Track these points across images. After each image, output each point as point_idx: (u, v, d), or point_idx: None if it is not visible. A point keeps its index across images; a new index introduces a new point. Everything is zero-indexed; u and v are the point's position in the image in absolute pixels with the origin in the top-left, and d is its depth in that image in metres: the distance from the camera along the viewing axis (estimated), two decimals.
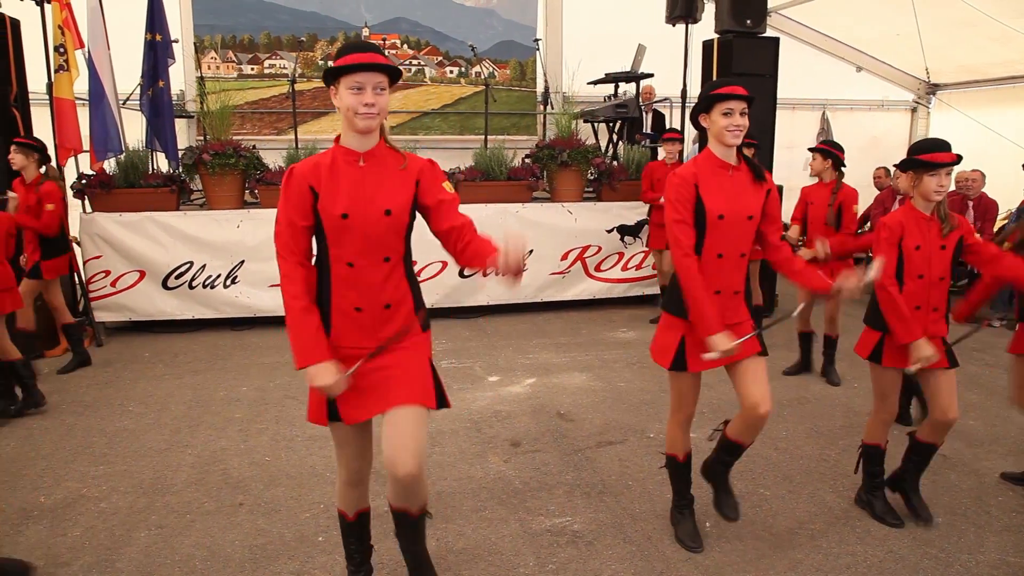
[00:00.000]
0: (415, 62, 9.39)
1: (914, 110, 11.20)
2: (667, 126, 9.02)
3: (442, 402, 2.47)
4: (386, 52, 9.14)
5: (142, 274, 6.44)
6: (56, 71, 6.21)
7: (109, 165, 6.56)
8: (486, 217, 7.00)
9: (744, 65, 6.93)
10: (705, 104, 2.77)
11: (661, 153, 8.74)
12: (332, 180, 2.24)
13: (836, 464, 3.91)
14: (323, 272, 2.32)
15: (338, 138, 2.31)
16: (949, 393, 3.11)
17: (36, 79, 6.36)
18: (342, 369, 2.26)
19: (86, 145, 6.41)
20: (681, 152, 6.46)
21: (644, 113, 8.79)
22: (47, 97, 6.31)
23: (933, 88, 10.92)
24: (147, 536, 3.23)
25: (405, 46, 9.36)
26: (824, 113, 10.71)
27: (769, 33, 7.27)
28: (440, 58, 9.46)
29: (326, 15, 9.13)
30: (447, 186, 2.38)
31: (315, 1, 9.07)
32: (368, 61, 2.15)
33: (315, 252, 2.36)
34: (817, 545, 3.13)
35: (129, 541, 3.19)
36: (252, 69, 9.00)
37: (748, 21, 6.95)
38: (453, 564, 3.00)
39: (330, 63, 2.42)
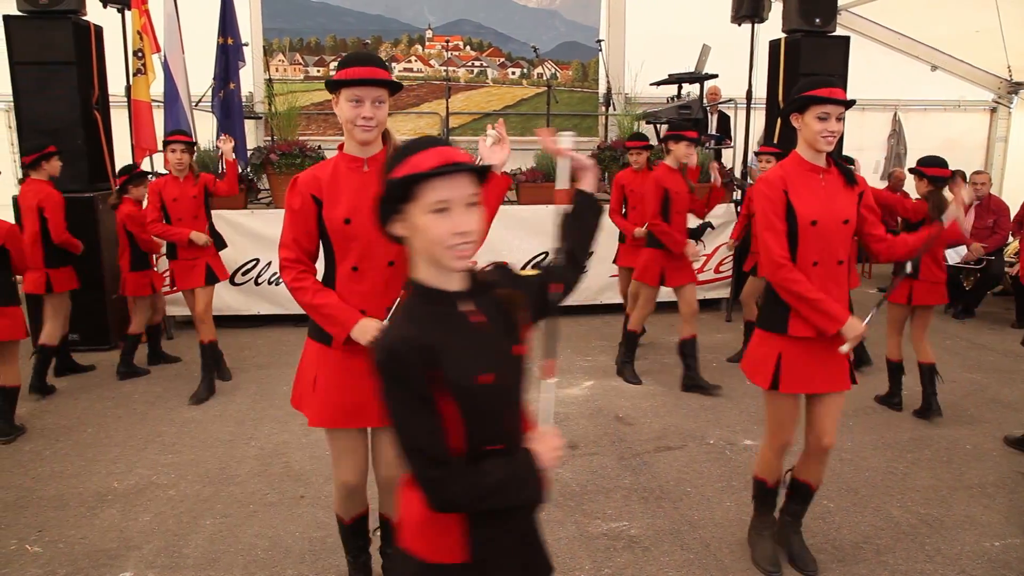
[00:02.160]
0: (477, 63, 9.45)
1: (994, 110, 10.74)
2: (731, 127, 8.86)
3: None
4: (451, 54, 9.24)
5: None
6: (134, 74, 6.46)
7: None
8: (547, 218, 7.00)
9: (812, 65, 6.75)
10: (799, 104, 2.65)
11: (726, 155, 8.63)
12: (333, 186, 2.29)
13: (904, 477, 3.78)
14: (328, 276, 2.37)
15: (342, 146, 2.36)
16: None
17: (115, 82, 6.62)
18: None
19: (160, 145, 6.65)
20: (649, 160, 5.71)
21: (709, 114, 8.65)
22: (125, 99, 6.57)
23: (1016, 87, 10.45)
24: (212, 524, 3.33)
25: (468, 48, 9.43)
26: (896, 114, 10.37)
27: (839, 32, 7.06)
28: (502, 59, 9.49)
29: (391, 18, 9.27)
30: None
31: (380, 4, 9.21)
32: (367, 76, 2.18)
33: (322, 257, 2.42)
34: (883, 561, 3.03)
35: (195, 528, 3.29)
36: (318, 71, 9.19)
37: (817, 20, 6.77)
38: None
39: (331, 73, 2.45)
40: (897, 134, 10.27)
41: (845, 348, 2.65)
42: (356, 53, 2.29)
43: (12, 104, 6.07)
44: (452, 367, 1.40)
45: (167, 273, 5.36)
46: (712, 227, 7.09)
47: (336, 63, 2.33)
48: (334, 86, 2.23)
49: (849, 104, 2.61)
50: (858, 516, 3.39)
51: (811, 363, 2.70)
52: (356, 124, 2.23)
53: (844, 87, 6.90)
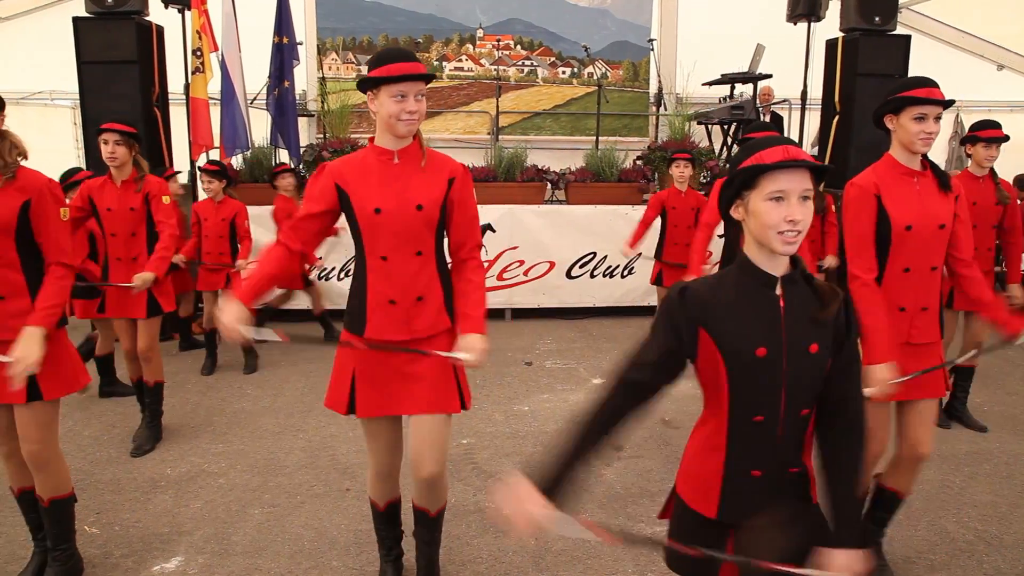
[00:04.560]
0: (528, 63, 9.45)
1: None
2: (786, 129, 8.70)
3: (462, 404, 2.54)
4: (501, 53, 9.26)
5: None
6: (193, 73, 6.63)
7: (237, 161, 6.95)
8: (596, 218, 6.98)
9: (871, 65, 6.59)
10: (895, 105, 2.55)
11: None
12: (363, 178, 2.35)
13: (960, 492, 3.65)
14: (360, 266, 2.43)
15: (372, 139, 2.40)
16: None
17: (174, 80, 6.80)
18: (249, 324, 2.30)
19: (217, 142, 6.81)
20: (693, 177, 5.46)
21: (761, 115, 8.50)
22: (183, 97, 6.75)
23: None
24: (260, 513, 3.40)
25: (518, 47, 9.43)
26: (958, 116, 10.03)
27: (899, 31, 6.87)
28: (553, 59, 9.47)
29: (442, 17, 9.32)
30: (473, 194, 2.51)
31: (432, 3, 9.27)
32: (410, 72, 2.23)
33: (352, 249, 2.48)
34: None
35: (244, 517, 3.36)
36: None
37: (877, 18, 6.60)
38: (551, 565, 2.99)
39: (364, 71, 2.49)
40: (959, 136, 9.94)
41: (868, 391, 2.48)
42: (389, 50, 2.32)
43: (78, 102, 6.30)
44: (724, 330, 1.60)
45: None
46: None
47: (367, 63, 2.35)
48: (374, 83, 2.26)
49: (948, 104, 2.51)
50: (911, 530, 3.29)
51: (902, 367, 2.61)
52: (400, 119, 2.26)
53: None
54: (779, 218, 1.56)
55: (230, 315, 2.24)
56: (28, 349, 2.42)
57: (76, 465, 3.84)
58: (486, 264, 6.88)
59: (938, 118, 2.51)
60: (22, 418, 2.57)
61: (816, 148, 7.85)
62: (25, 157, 2.57)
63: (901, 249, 2.57)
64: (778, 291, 1.63)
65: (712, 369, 1.63)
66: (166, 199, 3.99)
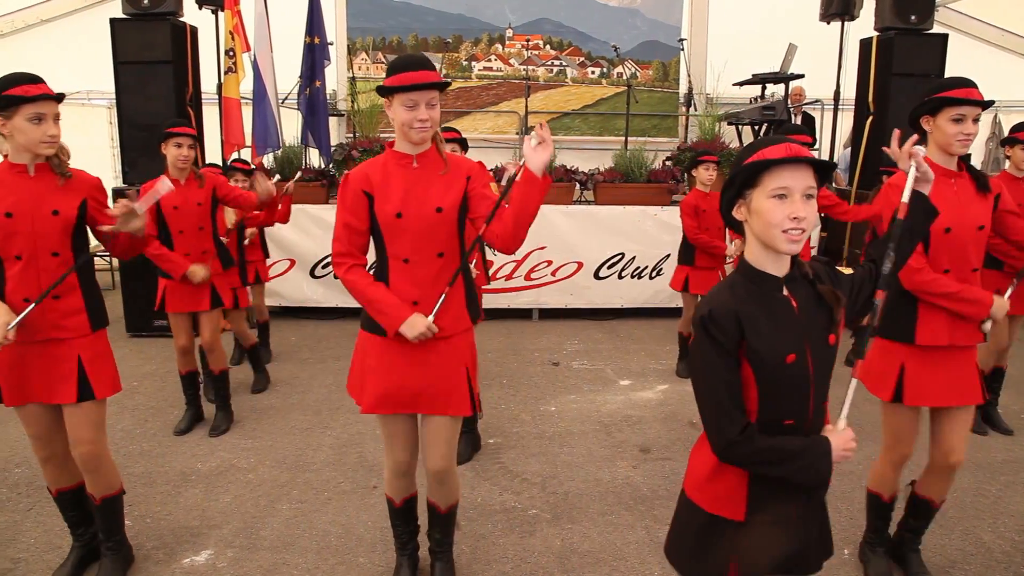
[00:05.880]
0: (557, 63, 9.43)
1: None
2: (818, 130, 8.58)
3: (473, 407, 2.58)
4: (531, 53, 9.25)
5: (292, 262, 6.84)
6: (225, 73, 6.72)
7: (268, 160, 7.03)
8: (624, 219, 6.95)
9: (907, 65, 6.47)
10: (932, 106, 2.51)
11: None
12: (385, 182, 2.38)
13: (996, 501, 3.57)
14: (382, 267, 2.46)
15: (391, 143, 2.44)
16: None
17: (207, 80, 6.89)
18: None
19: (248, 141, 6.90)
20: (720, 180, 5.37)
21: (793, 116, 8.40)
22: (216, 97, 6.84)
23: None
24: (288, 509, 3.43)
25: (547, 47, 9.42)
26: (996, 116, 9.84)
27: (936, 29, 6.74)
28: (582, 59, 9.44)
29: (472, 17, 9.34)
30: (493, 187, 2.52)
31: (461, 3, 9.29)
32: (419, 81, 2.25)
33: (374, 251, 2.51)
34: None
35: (272, 512, 3.40)
36: None
37: (913, 17, 6.48)
38: (577, 566, 2.98)
39: (382, 78, 2.52)
40: (997, 137, 9.74)
41: (987, 326, 2.59)
42: (404, 57, 2.34)
43: (114, 101, 6.41)
44: (758, 342, 1.58)
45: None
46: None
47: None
48: (387, 92, 2.30)
49: (987, 105, 2.47)
50: (945, 539, 3.23)
51: (938, 374, 2.59)
52: (412, 127, 2.31)
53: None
54: (783, 216, 1.55)
55: (422, 325, 2.36)
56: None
57: None
58: (514, 264, 6.89)
59: (977, 119, 2.47)
60: (74, 419, 2.62)
61: (848, 149, 7.74)
62: (67, 157, 2.64)
63: (940, 251, 2.54)
64: (785, 292, 1.64)
65: (744, 374, 1.62)
66: (233, 181, 4.09)
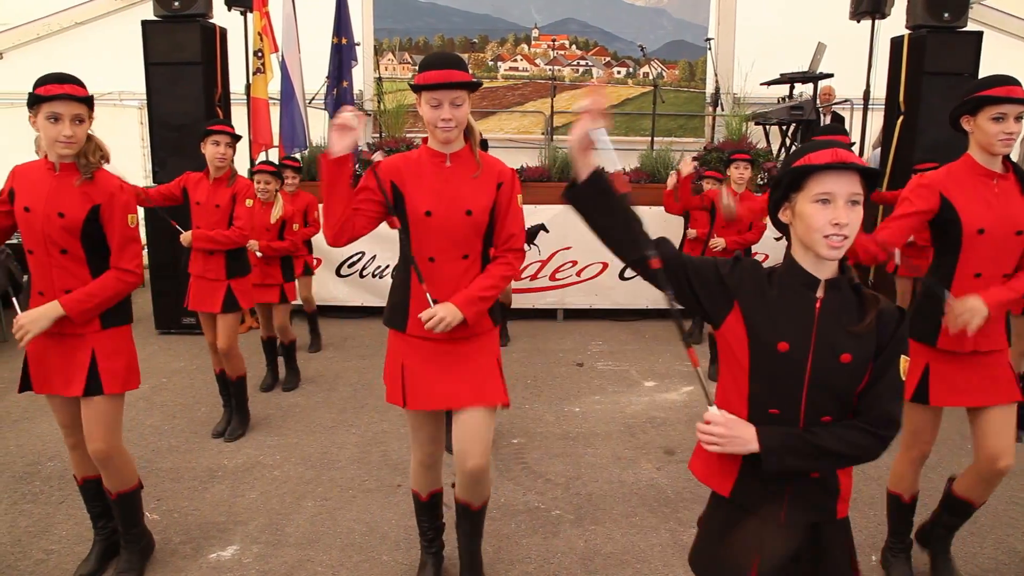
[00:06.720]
0: (583, 63, 9.41)
1: None
2: (847, 129, 8.46)
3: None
4: (556, 53, 9.24)
5: (319, 261, 6.89)
6: (254, 73, 6.79)
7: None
8: (650, 219, 6.83)
9: (939, 64, 6.34)
10: (972, 105, 2.44)
11: None
12: (417, 178, 2.37)
13: None
14: (404, 265, 2.46)
15: (426, 139, 2.43)
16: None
17: (236, 81, 6.97)
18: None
19: (276, 141, 6.96)
20: (751, 179, 5.41)
21: (822, 116, 8.30)
22: (244, 97, 6.91)
23: None
24: (313, 506, 3.45)
25: (574, 47, 9.40)
26: None
27: (970, 27, 6.61)
28: (608, 58, 9.42)
29: (498, 17, 9.35)
30: (519, 199, 2.52)
31: (487, 4, 9.31)
32: (443, 80, 2.24)
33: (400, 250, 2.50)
34: None
35: (298, 509, 3.42)
36: None
37: (946, 15, 6.35)
38: (600, 567, 2.97)
39: (412, 75, 2.52)
40: None
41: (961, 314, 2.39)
42: (434, 55, 2.33)
43: (145, 102, 6.50)
44: (757, 320, 1.62)
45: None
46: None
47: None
48: (415, 89, 2.31)
49: None
50: (976, 547, 3.16)
51: (966, 373, 2.53)
52: (436, 126, 2.31)
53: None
54: (825, 221, 1.54)
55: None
56: (34, 316, 2.48)
57: (138, 453, 3.96)
58: (539, 264, 6.87)
59: (1019, 118, 2.39)
60: (87, 416, 2.66)
61: (879, 149, 7.62)
62: (107, 160, 2.65)
63: (972, 253, 2.45)
64: (819, 294, 1.62)
65: (737, 350, 1.65)
66: (249, 202, 4.13)
